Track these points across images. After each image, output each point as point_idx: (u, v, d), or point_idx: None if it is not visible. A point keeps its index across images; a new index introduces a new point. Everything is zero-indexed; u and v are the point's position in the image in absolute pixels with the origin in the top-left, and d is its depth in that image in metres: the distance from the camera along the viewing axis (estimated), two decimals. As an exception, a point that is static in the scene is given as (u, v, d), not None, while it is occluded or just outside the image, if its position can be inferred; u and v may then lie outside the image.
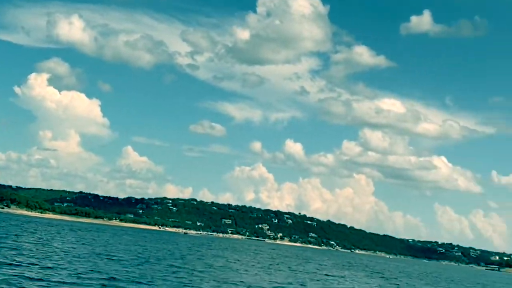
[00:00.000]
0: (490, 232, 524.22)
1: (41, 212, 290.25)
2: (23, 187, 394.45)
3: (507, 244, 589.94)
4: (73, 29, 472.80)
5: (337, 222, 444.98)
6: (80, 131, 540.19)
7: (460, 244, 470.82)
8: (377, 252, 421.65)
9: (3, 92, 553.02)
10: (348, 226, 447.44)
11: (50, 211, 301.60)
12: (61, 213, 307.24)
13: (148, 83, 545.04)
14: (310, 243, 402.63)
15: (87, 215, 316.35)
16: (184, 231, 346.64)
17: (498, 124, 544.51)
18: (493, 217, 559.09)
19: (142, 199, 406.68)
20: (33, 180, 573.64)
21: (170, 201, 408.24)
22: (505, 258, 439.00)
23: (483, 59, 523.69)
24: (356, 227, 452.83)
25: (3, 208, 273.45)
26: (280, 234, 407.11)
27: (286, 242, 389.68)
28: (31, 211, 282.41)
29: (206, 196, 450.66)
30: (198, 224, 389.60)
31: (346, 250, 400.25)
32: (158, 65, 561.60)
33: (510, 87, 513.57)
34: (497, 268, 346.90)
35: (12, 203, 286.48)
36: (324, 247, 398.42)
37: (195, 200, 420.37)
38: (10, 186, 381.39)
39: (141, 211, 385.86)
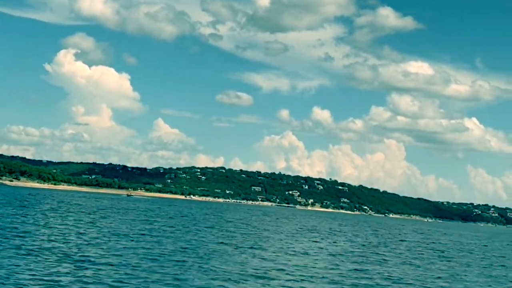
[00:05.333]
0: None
1: (55, 184, 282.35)
2: (54, 161, 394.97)
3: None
4: (94, 2, 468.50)
5: (369, 187, 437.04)
6: (112, 105, 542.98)
7: (496, 205, 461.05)
8: (412, 215, 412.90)
9: (33, 70, 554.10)
10: (381, 190, 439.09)
11: (65, 183, 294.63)
12: (80, 184, 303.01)
13: (172, 55, 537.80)
14: (342, 208, 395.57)
15: (109, 185, 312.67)
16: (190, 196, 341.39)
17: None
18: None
19: (170, 168, 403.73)
20: (67, 154, 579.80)
21: (199, 170, 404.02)
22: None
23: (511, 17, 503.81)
24: (390, 191, 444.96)
25: (11, 181, 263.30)
26: (311, 200, 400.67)
27: (317, 208, 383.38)
28: (43, 183, 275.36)
29: (237, 165, 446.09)
30: (227, 192, 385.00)
31: (380, 215, 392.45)
32: (181, 36, 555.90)
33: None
34: None
35: (22, 175, 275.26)
36: (357, 212, 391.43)
37: (224, 168, 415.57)
38: (40, 161, 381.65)
39: (169, 180, 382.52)
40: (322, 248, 50.09)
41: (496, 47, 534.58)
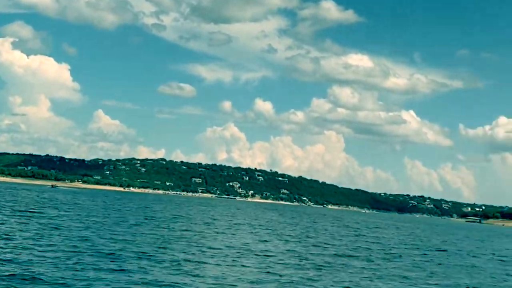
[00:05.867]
0: (459, 184, 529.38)
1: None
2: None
3: (475, 195, 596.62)
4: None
5: (309, 178, 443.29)
6: (50, 96, 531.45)
7: (432, 197, 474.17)
8: (350, 206, 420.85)
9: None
10: (320, 181, 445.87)
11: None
12: (15, 175, 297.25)
13: (114, 44, 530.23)
14: (281, 199, 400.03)
15: (45, 177, 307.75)
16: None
17: (465, 77, 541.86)
18: (462, 170, 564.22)
19: (110, 160, 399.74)
20: (4, 145, 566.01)
21: (139, 162, 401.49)
22: (477, 209, 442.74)
23: (450, 14, 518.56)
24: (328, 182, 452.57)
25: None
26: (251, 191, 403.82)
27: (257, 199, 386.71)
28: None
29: (178, 157, 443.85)
30: (167, 183, 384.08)
31: (318, 206, 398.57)
32: (123, 26, 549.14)
33: (476, 40, 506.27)
34: (478, 220, 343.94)
35: None
36: (296, 203, 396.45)
37: (164, 160, 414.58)
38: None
39: (108, 172, 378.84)
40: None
41: (434, 42, 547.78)
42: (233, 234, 53.33)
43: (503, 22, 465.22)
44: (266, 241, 48.77)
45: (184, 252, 34.59)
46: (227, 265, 30.79)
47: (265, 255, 36.86)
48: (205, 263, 30.99)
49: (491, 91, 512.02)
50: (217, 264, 30.90)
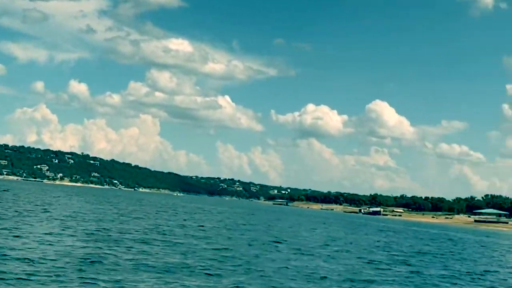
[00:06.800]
0: (267, 167, 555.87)
1: None
2: None
3: (282, 178, 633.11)
4: None
5: (121, 162, 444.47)
6: None
7: (241, 180, 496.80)
8: (161, 189, 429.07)
9: None
10: (133, 165, 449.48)
11: None
12: None
13: None
14: (92, 183, 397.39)
15: None
16: None
17: (279, 66, 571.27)
18: (270, 153, 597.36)
19: None
20: None
21: None
22: (283, 192, 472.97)
23: (268, 3, 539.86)
24: (141, 166, 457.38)
25: None
26: (61, 174, 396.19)
27: (66, 182, 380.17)
28: None
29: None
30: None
31: (129, 189, 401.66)
32: None
33: (291, 29, 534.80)
34: (285, 203, 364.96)
35: None
36: (107, 187, 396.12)
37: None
38: None
39: None
40: None
41: (252, 30, 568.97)
42: None
43: (316, 14, 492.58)
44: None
45: None
46: None
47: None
48: None
49: (302, 79, 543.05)
50: None
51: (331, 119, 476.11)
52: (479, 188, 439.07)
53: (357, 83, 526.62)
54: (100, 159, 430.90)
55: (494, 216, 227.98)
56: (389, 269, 34.06)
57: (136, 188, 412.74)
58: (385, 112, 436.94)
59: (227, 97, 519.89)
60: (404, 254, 46.80)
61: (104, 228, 42.22)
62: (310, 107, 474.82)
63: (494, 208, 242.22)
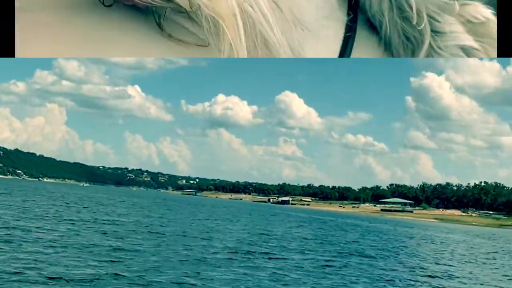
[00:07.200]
0: (176, 157, 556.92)
1: None
2: None
3: (190, 168, 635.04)
4: None
5: (26, 151, 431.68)
6: None
7: (149, 170, 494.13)
8: (67, 180, 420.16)
9: None
10: (38, 154, 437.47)
11: None
12: None
13: None
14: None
15: None
16: None
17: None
18: (179, 144, 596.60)
19: None
20: None
21: None
22: (192, 182, 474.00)
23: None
24: (46, 155, 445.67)
25: None
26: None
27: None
28: None
29: None
30: None
31: (34, 179, 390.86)
32: None
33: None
34: (193, 193, 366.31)
35: None
36: (10, 177, 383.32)
37: None
38: None
39: None
40: None
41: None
42: None
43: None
44: None
45: None
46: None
47: None
48: None
49: (213, 69, 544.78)
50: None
51: (241, 109, 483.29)
52: (383, 177, 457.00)
53: (267, 75, 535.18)
54: (4, 148, 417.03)
55: (400, 205, 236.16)
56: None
57: (40, 179, 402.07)
58: (294, 103, 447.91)
59: (137, 87, 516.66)
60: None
61: None
62: (221, 97, 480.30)
63: (399, 197, 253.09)
